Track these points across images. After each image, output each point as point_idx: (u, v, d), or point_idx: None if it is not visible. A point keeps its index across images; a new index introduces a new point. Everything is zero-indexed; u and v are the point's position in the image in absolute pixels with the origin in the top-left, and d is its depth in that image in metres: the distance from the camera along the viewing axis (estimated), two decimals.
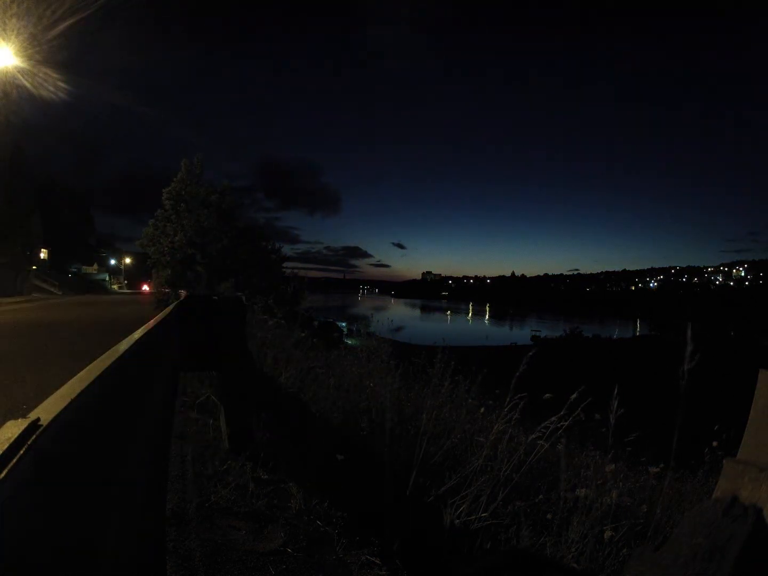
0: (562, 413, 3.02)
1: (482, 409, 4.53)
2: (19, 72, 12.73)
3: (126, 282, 56.53)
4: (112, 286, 55.61)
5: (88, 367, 1.21)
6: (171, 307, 4.71)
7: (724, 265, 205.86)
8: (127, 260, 58.51)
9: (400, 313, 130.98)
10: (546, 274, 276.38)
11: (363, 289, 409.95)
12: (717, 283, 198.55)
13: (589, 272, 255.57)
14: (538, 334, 72.22)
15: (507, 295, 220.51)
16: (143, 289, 43.87)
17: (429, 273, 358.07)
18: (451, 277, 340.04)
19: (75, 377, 1.08)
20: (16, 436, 0.63)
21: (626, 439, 3.39)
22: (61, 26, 11.89)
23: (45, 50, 12.29)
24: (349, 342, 14.02)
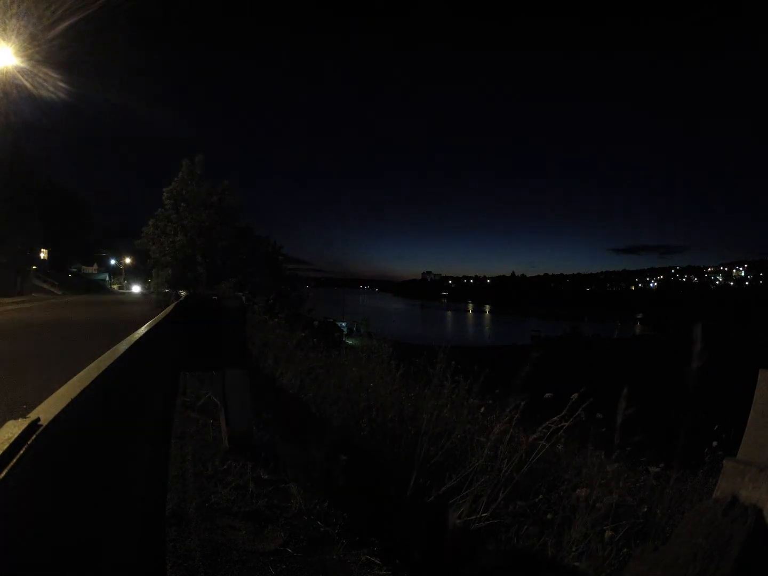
0: (563, 413, 3.01)
1: (482, 409, 4.52)
2: (19, 72, 12.73)
3: (126, 282, 56.58)
4: (112, 286, 55.71)
5: (88, 367, 1.20)
6: (171, 307, 4.70)
7: (724, 265, 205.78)
8: (128, 260, 58.51)
9: (400, 312, 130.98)
10: (546, 274, 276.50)
11: (363, 288, 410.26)
12: (717, 283, 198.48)
13: (589, 272, 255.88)
14: (538, 334, 72.18)
15: (507, 295, 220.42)
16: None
17: (429, 273, 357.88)
18: (451, 277, 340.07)
19: (75, 377, 1.08)
20: (16, 436, 0.63)
21: (629, 439, 3.37)
22: (61, 26, 11.87)
23: (45, 50, 12.28)
24: (350, 342, 14.02)
